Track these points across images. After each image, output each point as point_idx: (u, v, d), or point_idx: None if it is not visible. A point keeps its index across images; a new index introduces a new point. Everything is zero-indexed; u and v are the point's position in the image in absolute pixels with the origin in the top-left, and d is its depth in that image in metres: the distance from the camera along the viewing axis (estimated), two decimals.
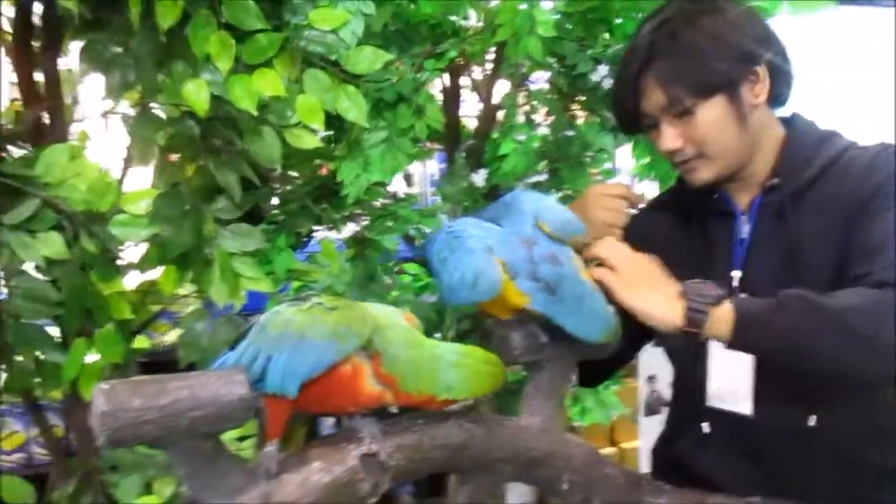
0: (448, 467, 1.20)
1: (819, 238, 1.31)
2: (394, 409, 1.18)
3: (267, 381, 1.07)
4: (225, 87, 1.40)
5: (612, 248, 1.27)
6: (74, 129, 1.64)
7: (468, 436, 1.17)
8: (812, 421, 1.33)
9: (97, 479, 1.59)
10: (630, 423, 3.34)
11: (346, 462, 1.09)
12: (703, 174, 1.36)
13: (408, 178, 4.10)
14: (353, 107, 1.47)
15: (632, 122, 1.39)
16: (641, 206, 1.53)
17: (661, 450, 1.53)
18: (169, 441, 1.01)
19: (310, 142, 1.48)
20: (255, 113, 1.40)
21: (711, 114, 1.31)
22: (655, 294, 1.22)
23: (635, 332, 1.32)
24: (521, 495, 3.76)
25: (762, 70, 1.33)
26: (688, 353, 1.41)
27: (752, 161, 1.37)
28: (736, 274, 1.37)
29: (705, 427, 1.40)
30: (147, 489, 1.55)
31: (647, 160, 1.92)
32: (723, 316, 1.18)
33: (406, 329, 1.11)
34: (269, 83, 1.41)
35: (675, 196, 1.52)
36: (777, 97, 1.37)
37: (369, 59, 1.48)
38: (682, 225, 1.46)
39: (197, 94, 1.37)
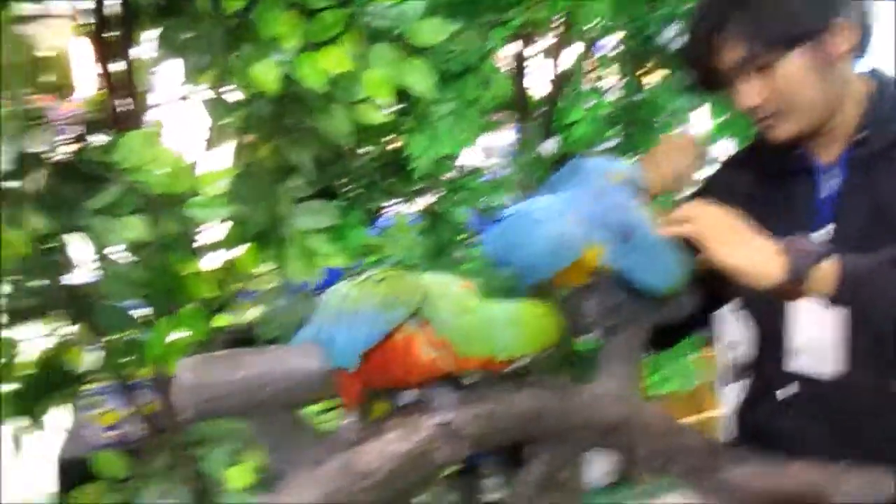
0: (524, 436, 1.20)
1: None
2: (467, 381, 1.19)
3: (331, 356, 1.10)
4: (293, 66, 1.42)
5: (703, 206, 1.24)
6: (151, 116, 1.68)
7: (543, 404, 1.17)
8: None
9: (187, 453, 1.64)
10: (711, 391, 3.29)
11: (421, 431, 1.10)
12: (784, 130, 1.31)
13: (486, 152, 4.10)
14: (420, 79, 1.47)
15: (708, 79, 1.34)
16: (708, 158, 1.50)
17: (742, 416, 1.50)
18: (249, 413, 1.04)
19: (378, 117, 1.49)
20: (324, 90, 1.41)
21: (792, 68, 1.26)
22: (753, 250, 1.19)
23: (711, 295, 1.30)
24: (601, 468, 3.76)
25: (845, 20, 1.27)
26: (770, 315, 1.37)
27: (835, 116, 1.32)
28: (820, 231, 1.32)
29: (787, 390, 1.37)
30: (233, 461, 1.60)
31: (723, 119, 1.86)
32: (826, 272, 1.15)
33: (459, 294, 1.10)
34: (336, 60, 1.42)
35: (753, 153, 1.47)
36: (859, 49, 1.31)
37: (434, 31, 1.48)
38: (762, 183, 1.41)
39: (266, 74, 1.39)
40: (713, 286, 1.29)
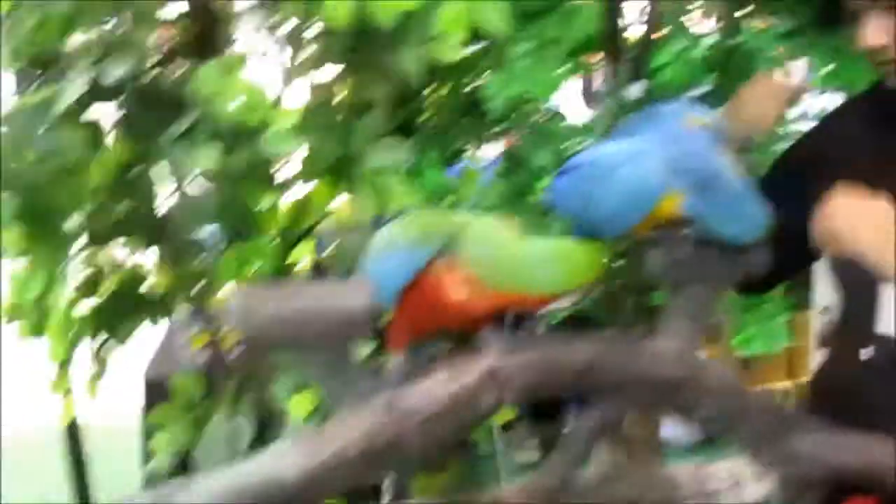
0: (576, 388, 1.18)
1: None
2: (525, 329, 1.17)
3: (374, 294, 1.09)
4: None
5: (846, 201, 1.17)
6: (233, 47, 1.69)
7: (597, 356, 1.13)
8: None
9: (258, 379, 1.69)
10: (806, 356, 3.17)
11: (470, 375, 1.09)
12: None
13: (588, 95, 3.98)
14: (496, 16, 1.42)
15: (833, 10, 1.26)
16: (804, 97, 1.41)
17: (819, 381, 1.43)
18: (300, 345, 1.05)
19: (452, 54, 1.45)
20: (396, 24, 1.38)
21: None
22: None
23: (796, 254, 1.23)
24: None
25: None
26: (861, 280, 1.29)
27: None
28: None
29: (869, 352, 1.29)
30: (300, 390, 1.63)
31: (830, 68, 1.73)
32: None
33: (495, 229, 1.07)
34: None
35: (871, 102, 1.36)
36: None
37: None
38: (884, 134, 1.30)
39: (338, 8, 1.37)
40: (797, 246, 1.22)
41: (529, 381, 1.11)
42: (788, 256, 1.23)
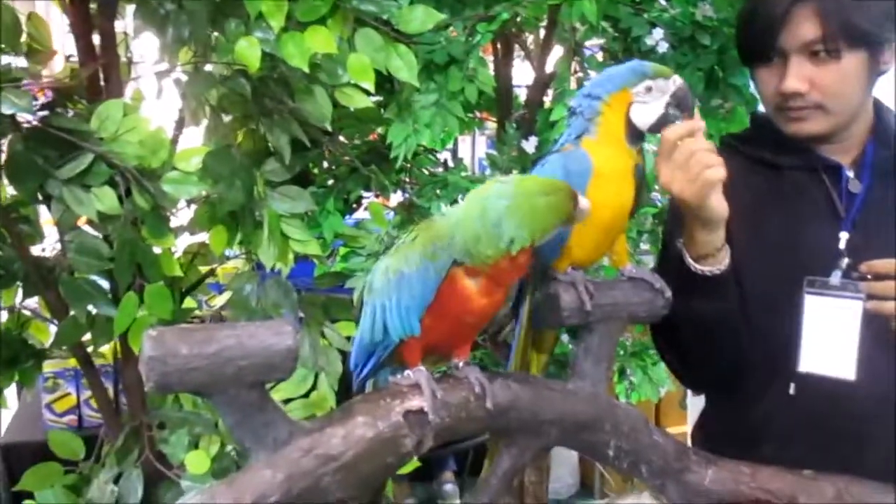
0: (493, 428, 1.19)
1: None
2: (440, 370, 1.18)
3: (389, 329, 1.11)
4: (277, 45, 1.40)
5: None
6: (130, 87, 1.65)
7: (515, 396, 1.16)
8: None
9: (146, 435, 1.61)
10: (677, 407, 3.30)
11: (390, 417, 1.08)
12: (814, 126, 1.32)
13: (454, 147, 4.07)
14: (404, 66, 1.46)
15: (758, 51, 1.33)
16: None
17: (736, 420, 1.44)
18: (215, 389, 1.02)
19: (361, 101, 1.47)
20: (307, 71, 1.39)
21: (852, 66, 1.28)
22: None
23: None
24: (563, 476, 3.76)
25: None
26: (777, 317, 1.34)
27: (856, 122, 1.34)
28: (844, 234, 1.32)
29: (793, 390, 1.33)
30: (194, 445, 1.56)
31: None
32: None
33: (467, 211, 1.08)
34: (322, 41, 1.40)
35: (753, 145, 1.44)
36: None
37: (421, 19, 1.47)
38: (767, 179, 1.39)
39: (249, 51, 1.37)
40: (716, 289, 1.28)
41: (450, 422, 1.11)
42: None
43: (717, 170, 1.17)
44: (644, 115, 1.21)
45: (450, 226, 1.08)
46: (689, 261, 1.27)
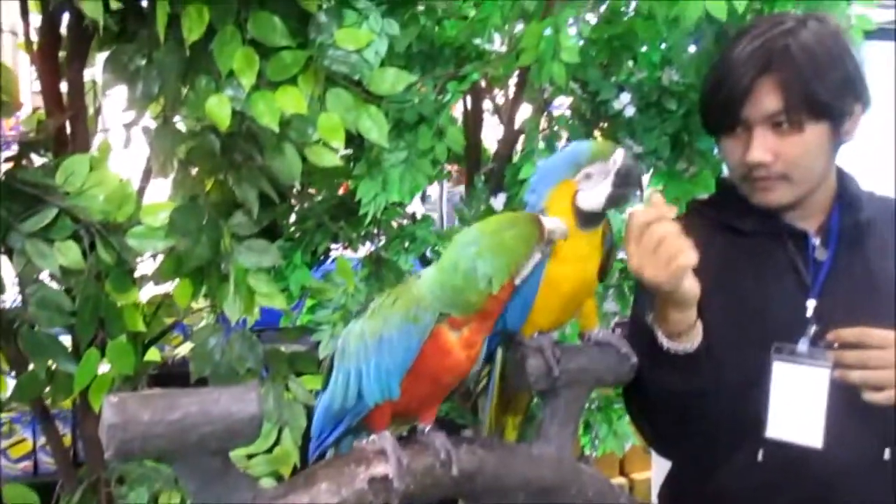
0: (459, 493, 1.19)
1: (892, 272, 1.34)
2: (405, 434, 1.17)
3: (365, 394, 1.10)
4: (248, 102, 1.40)
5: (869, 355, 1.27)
6: (97, 139, 1.64)
7: (480, 462, 1.16)
8: (887, 454, 1.31)
9: (104, 490, 1.58)
10: (642, 453, 3.31)
11: (354, 484, 1.07)
12: (779, 195, 1.34)
13: (423, 197, 4.12)
14: (375, 127, 1.46)
15: (723, 122, 1.35)
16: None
17: (689, 479, 1.46)
18: (177, 456, 1.00)
19: (330, 160, 1.47)
20: (277, 130, 1.39)
21: (814, 137, 1.30)
22: None
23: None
24: None
25: (859, 108, 1.35)
26: (745, 383, 1.35)
27: (817, 190, 1.37)
28: (811, 302, 1.34)
29: (761, 456, 1.34)
30: (154, 501, 1.54)
31: (660, 188, 1.85)
32: None
33: (440, 264, 1.11)
34: (292, 100, 1.41)
35: (719, 210, 1.46)
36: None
37: (392, 81, 1.48)
38: (734, 244, 1.41)
39: (219, 108, 1.37)
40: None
41: (415, 488, 1.11)
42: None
43: (688, 255, 1.16)
44: (592, 201, 1.20)
45: (429, 285, 1.09)
46: (662, 339, 1.26)
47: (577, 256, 1.22)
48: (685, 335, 1.25)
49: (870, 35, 1.70)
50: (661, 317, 1.25)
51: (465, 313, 1.08)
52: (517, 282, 1.09)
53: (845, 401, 1.28)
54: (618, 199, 1.20)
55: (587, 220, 1.22)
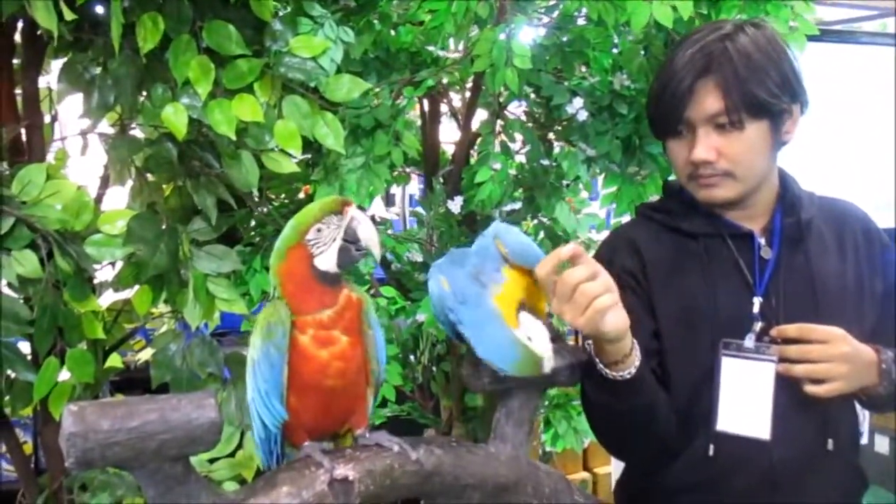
0: (418, 493, 1.21)
1: (832, 270, 1.42)
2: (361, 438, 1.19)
3: (266, 421, 1.14)
4: (204, 111, 1.41)
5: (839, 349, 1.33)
6: (54, 147, 1.64)
7: (438, 462, 1.18)
8: (830, 445, 1.38)
9: (66, 498, 1.58)
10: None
11: (314, 487, 1.09)
12: (724, 192, 1.39)
13: (388, 199, 4.14)
14: (331, 133, 1.48)
15: (668, 125, 1.40)
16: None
17: (642, 476, 1.51)
18: (138, 463, 1.01)
19: (287, 167, 1.49)
20: (234, 137, 1.40)
21: (755, 135, 1.35)
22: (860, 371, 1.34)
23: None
24: None
25: (797, 109, 1.40)
26: (695, 378, 1.40)
27: (762, 189, 1.42)
28: (757, 299, 1.39)
29: (710, 451, 1.39)
30: None
31: (613, 189, 1.88)
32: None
33: None
34: (249, 108, 1.42)
35: (667, 213, 1.49)
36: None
37: (348, 88, 1.50)
38: (682, 246, 1.45)
39: (176, 117, 1.38)
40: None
41: (374, 490, 1.13)
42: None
43: (605, 297, 1.15)
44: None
45: (277, 297, 1.13)
46: (601, 367, 1.27)
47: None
48: (621, 363, 1.26)
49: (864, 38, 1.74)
50: (597, 347, 1.27)
51: (287, 302, 1.11)
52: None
53: (791, 394, 1.34)
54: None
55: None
